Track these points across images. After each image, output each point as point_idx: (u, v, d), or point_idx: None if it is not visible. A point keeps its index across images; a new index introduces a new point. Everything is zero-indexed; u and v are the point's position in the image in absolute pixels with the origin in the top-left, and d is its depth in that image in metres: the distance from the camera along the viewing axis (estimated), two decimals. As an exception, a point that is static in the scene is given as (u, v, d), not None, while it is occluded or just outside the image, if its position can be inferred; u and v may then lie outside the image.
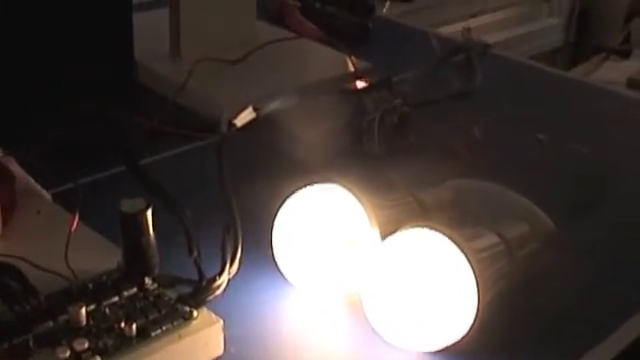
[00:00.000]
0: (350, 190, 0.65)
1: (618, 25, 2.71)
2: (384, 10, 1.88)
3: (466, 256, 0.60)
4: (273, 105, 0.78)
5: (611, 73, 2.34)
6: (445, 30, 1.78)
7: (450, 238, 0.61)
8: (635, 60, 2.46)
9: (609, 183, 0.86)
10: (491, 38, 1.32)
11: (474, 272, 0.60)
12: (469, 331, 0.61)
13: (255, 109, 0.75)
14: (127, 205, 0.60)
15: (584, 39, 2.78)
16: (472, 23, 2.35)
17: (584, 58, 2.62)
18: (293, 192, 0.68)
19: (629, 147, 0.97)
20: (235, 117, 0.74)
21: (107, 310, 0.59)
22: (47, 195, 0.74)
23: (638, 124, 1.05)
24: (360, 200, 0.65)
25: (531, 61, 1.30)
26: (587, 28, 2.78)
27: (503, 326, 0.64)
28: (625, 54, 2.54)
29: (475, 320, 0.60)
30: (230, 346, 0.61)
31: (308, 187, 0.67)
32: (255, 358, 0.62)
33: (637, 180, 0.90)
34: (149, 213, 0.60)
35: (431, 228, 0.61)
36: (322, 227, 0.66)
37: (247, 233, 0.65)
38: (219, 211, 0.66)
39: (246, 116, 0.74)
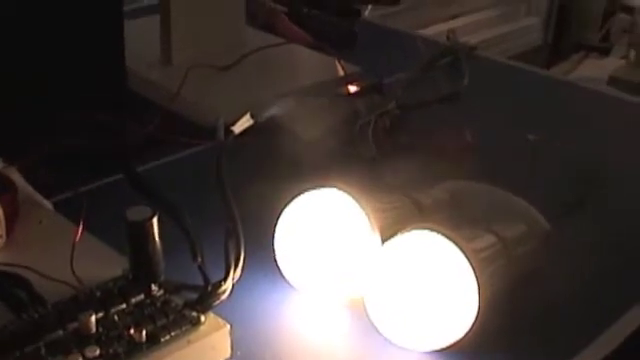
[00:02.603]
0: (350, 194, 0.67)
1: (597, 23, 2.73)
2: (366, 13, 1.88)
3: (466, 257, 0.61)
4: (270, 112, 0.79)
5: (592, 71, 2.36)
6: (425, 32, 1.79)
7: (450, 239, 0.62)
8: (614, 57, 2.48)
9: (601, 181, 0.87)
10: (470, 39, 1.33)
11: (475, 272, 0.61)
12: (470, 330, 0.62)
13: (252, 116, 0.75)
14: (133, 213, 0.61)
15: (563, 38, 2.79)
16: (451, 24, 2.37)
17: (564, 56, 2.64)
18: (293, 197, 0.69)
19: (616, 145, 0.98)
20: (233, 124, 0.75)
21: (116, 317, 0.60)
22: (48, 204, 0.74)
23: (621, 122, 1.06)
24: (360, 204, 0.66)
25: (515, 62, 1.32)
26: (566, 26, 2.79)
27: (501, 325, 0.65)
28: (605, 51, 2.56)
29: (476, 319, 0.62)
30: (236, 349, 0.62)
31: (308, 192, 0.68)
32: (260, 361, 0.63)
33: (628, 178, 0.91)
34: (155, 221, 0.61)
35: (431, 230, 0.63)
36: (323, 231, 0.67)
37: (249, 238, 0.66)
38: (219, 217, 0.67)
39: (244, 123, 0.75)
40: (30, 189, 0.74)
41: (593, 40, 2.67)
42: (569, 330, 0.68)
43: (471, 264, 0.61)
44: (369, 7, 1.91)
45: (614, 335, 0.68)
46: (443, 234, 0.62)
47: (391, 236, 0.64)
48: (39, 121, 0.86)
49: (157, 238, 0.61)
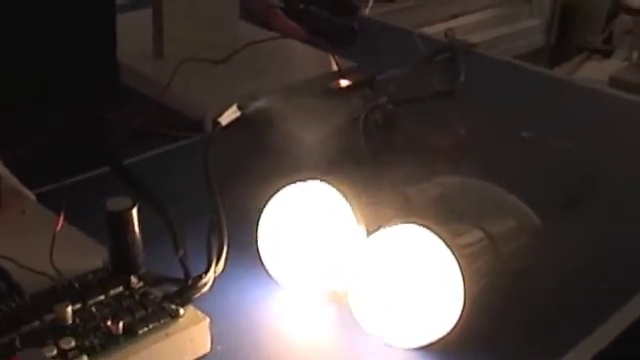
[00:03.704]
0: (335, 187, 0.66)
1: (600, 25, 2.72)
2: (366, 10, 1.88)
3: (452, 251, 0.60)
4: (257, 103, 0.79)
5: (593, 72, 2.35)
6: (427, 31, 1.78)
7: (435, 233, 0.61)
8: (617, 59, 2.47)
9: (594, 180, 0.86)
10: (472, 39, 1.32)
11: (460, 267, 0.60)
12: (455, 326, 0.61)
13: (239, 107, 0.75)
14: (113, 204, 0.60)
15: (566, 39, 2.79)
16: (453, 24, 2.36)
17: (566, 58, 2.63)
18: (278, 190, 0.67)
19: (613, 144, 0.97)
20: (220, 116, 0.74)
21: (93, 309, 0.59)
22: (32, 195, 0.74)
23: (620, 122, 1.05)
24: (346, 197, 0.65)
25: (515, 60, 1.31)
26: (569, 28, 2.78)
27: (489, 321, 0.64)
28: (607, 53, 2.55)
29: (461, 315, 0.60)
30: (217, 344, 0.61)
31: (293, 185, 0.67)
32: (242, 356, 0.62)
33: (622, 176, 0.90)
34: (135, 211, 0.60)
35: (416, 224, 0.62)
36: (308, 224, 0.66)
37: (233, 232, 0.65)
38: (205, 210, 0.66)
39: (231, 114, 0.74)
40: (14, 180, 0.73)
41: (595, 42, 2.66)
42: (557, 329, 0.67)
43: (456, 259, 0.60)
44: (370, 4, 1.90)
45: (603, 335, 0.67)
46: (428, 228, 0.61)
47: (377, 230, 0.63)
48: (28, 114, 0.86)
49: (137, 229, 0.60)
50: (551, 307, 0.69)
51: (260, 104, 0.79)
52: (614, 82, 2.10)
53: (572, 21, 2.79)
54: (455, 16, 2.47)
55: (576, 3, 2.80)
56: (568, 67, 2.48)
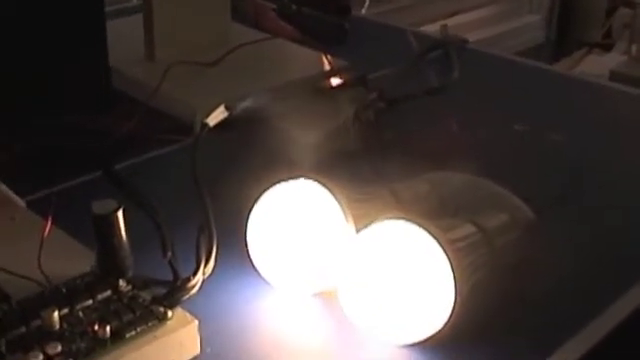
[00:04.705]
0: (323, 184, 0.65)
1: (599, 19, 2.71)
2: (363, 10, 1.87)
3: (441, 246, 0.59)
4: (245, 103, 0.78)
5: (594, 67, 2.34)
6: (425, 30, 1.78)
7: (424, 229, 0.60)
8: (617, 53, 2.46)
9: (587, 173, 0.86)
10: (472, 36, 1.31)
11: (450, 262, 0.59)
12: (448, 322, 0.60)
13: (227, 108, 0.74)
14: (98, 207, 0.60)
15: (566, 34, 2.78)
16: (452, 22, 2.35)
17: (567, 53, 2.62)
18: (266, 189, 0.67)
19: (608, 137, 0.97)
20: (207, 116, 0.73)
21: (81, 313, 0.59)
22: (21, 202, 0.73)
23: (618, 115, 1.05)
24: (334, 194, 0.64)
25: (509, 55, 1.30)
26: (568, 23, 2.78)
27: (481, 316, 0.64)
28: (607, 48, 2.54)
29: (453, 311, 0.60)
30: (207, 346, 0.61)
31: (281, 184, 0.67)
32: (232, 357, 0.61)
33: (617, 169, 0.89)
34: (120, 214, 0.59)
35: (405, 219, 0.61)
36: (297, 223, 0.66)
37: (223, 233, 0.64)
38: (195, 212, 0.66)
39: (218, 115, 0.73)
40: (3, 186, 0.73)
41: (596, 37, 2.65)
42: (550, 324, 0.66)
43: (446, 254, 0.59)
44: (366, 4, 1.90)
45: (598, 328, 0.66)
46: (417, 224, 0.60)
47: (366, 227, 0.63)
48: (20, 120, 0.85)
49: (123, 231, 0.60)
50: (544, 302, 0.68)
51: (249, 104, 0.79)
52: (614, 76, 2.09)
53: (572, 16, 2.78)
54: (454, 14, 2.46)
55: (575, -2, 2.80)
56: (568, 62, 2.47)
